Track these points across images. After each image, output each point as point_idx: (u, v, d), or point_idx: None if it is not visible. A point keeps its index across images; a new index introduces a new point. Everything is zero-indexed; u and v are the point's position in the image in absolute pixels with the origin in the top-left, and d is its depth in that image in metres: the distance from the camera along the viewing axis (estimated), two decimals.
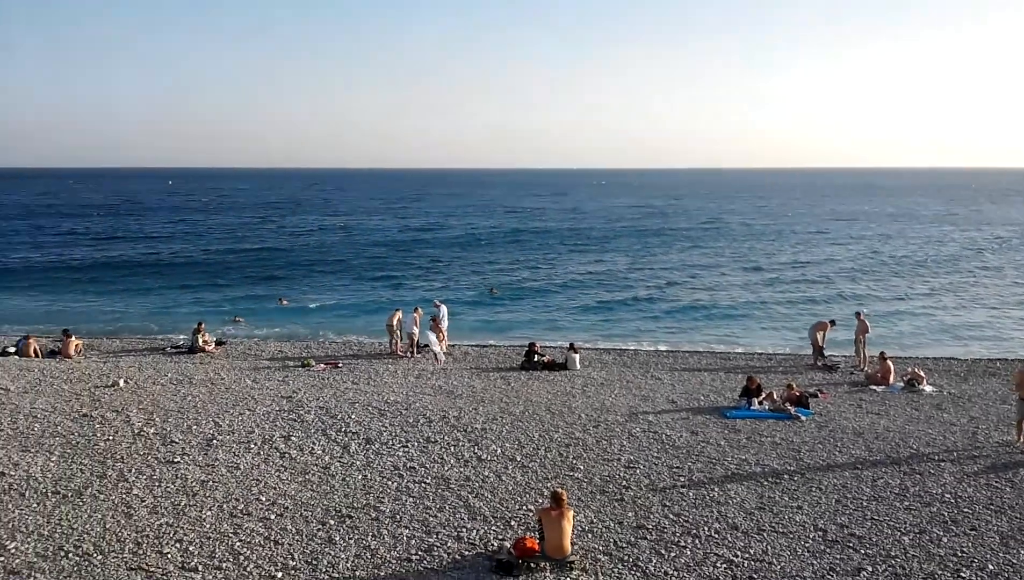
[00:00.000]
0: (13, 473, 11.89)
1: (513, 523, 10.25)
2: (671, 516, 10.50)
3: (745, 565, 9.12)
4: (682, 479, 11.96)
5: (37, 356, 21.41)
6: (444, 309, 23.15)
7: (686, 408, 16.40)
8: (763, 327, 29.19)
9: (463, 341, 24.37)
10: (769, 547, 9.62)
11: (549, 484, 11.59)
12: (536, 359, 20.49)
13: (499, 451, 13.22)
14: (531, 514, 10.41)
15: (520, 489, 11.50)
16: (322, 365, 20.44)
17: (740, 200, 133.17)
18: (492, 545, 9.56)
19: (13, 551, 9.21)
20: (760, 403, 16.21)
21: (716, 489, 11.55)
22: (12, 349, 21.89)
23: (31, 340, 22.06)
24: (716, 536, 9.92)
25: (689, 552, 9.43)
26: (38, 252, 53.75)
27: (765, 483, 11.85)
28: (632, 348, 24.45)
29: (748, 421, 15.36)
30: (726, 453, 13.29)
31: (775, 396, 16.40)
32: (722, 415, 15.75)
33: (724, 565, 9.11)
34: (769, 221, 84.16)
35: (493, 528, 10.08)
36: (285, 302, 30.85)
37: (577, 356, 20.54)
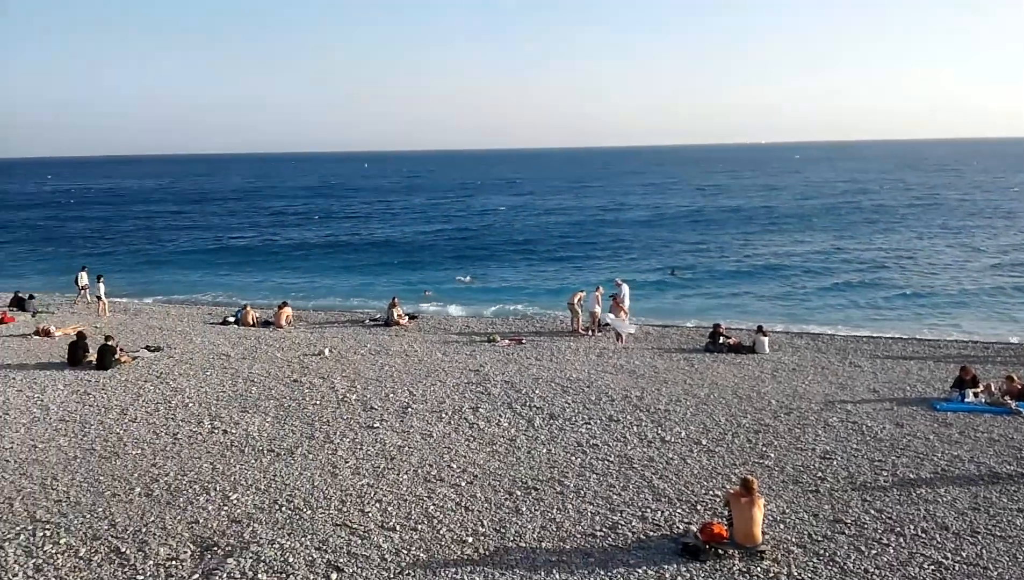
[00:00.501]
0: (234, 431, 13.15)
1: (699, 507, 10.03)
2: (872, 512, 9.84)
3: (956, 569, 8.40)
4: (885, 474, 11.16)
5: (254, 325, 23.50)
6: (626, 288, 22.95)
7: (889, 398, 15.28)
8: (980, 315, 26.53)
9: (645, 321, 24.08)
10: (984, 551, 8.80)
11: (737, 470, 11.23)
12: (721, 341, 19.88)
13: (683, 433, 12.96)
14: (718, 499, 10.14)
15: (706, 473, 11.22)
16: (507, 341, 20.95)
17: (950, 173, 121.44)
18: (678, 528, 9.41)
19: (235, 502, 10.20)
20: (976, 396, 14.79)
21: (924, 486, 10.68)
22: (232, 319, 24.17)
23: (249, 310, 24.28)
24: (923, 536, 9.19)
25: (892, 551, 8.80)
26: (255, 232, 59.05)
27: (980, 482, 10.82)
28: (828, 333, 23.10)
29: (961, 415, 14.08)
30: (935, 448, 12.25)
31: (993, 388, 14.90)
32: (931, 407, 14.53)
33: (932, 567, 8.43)
34: (990, 196, 76.17)
35: (678, 511, 9.92)
36: (429, 293, 31.30)
37: (766, 339, 19.71)
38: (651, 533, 9.30)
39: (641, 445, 12.39)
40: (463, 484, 10.78)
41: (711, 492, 10.51)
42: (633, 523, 9.54)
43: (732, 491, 9.35)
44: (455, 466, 11.47)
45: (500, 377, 16.78)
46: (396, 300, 24.57)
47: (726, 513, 9.07)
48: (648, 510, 9.92)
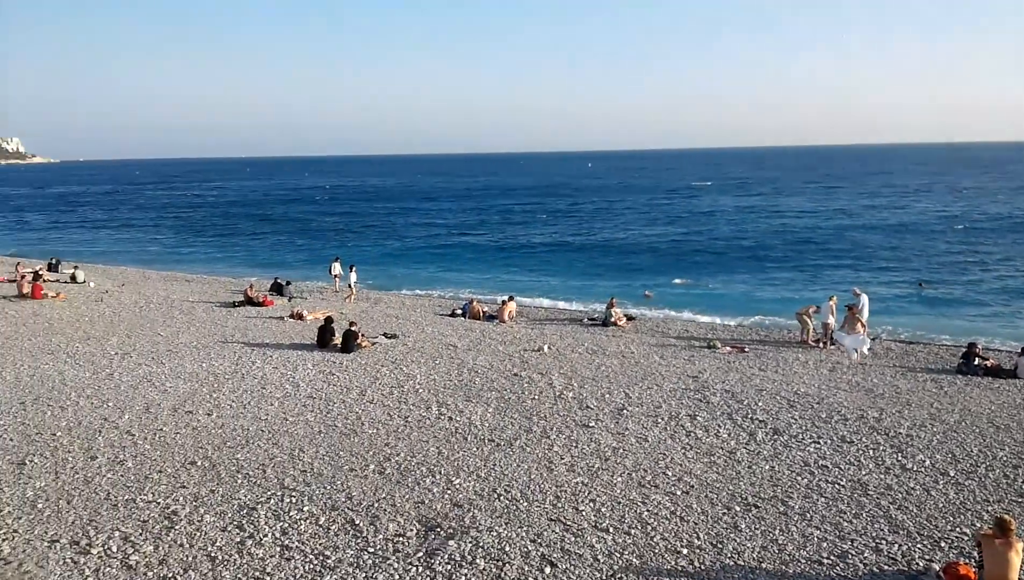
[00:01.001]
0: (459, 419, 13.78)
1: (943, 544, 9.05)
2: None
3: None
4: None
5: (479, 319, 24.52)
6: (864, 298, 21.23)
7: None
8: None
9: (886, 336, 22.18)
10: None
11: (991, 507, 10.00)
12: (977, 363, 17.81)
13: (927, 462, 11.76)
14: (967, 538, 9.09)
15: (953, 508, 10.10)
16: (728, 348, 20.21)
17: None
18: (917, 564, 8.56)
19: (457, 486, 10.68)
20: None
21: None
22: (460, 311, 25.37)
23: (476, 304, 25.38)
24: None
25: None
26: (484, 229, 61.82)
27: None
28: None
29: None
30: None
31: None
32: None
33: None
34: None
35: (919, 546, 9.01)
36: (649, 294, 30.71)
37: None
38: (886, 567, 8.52)
39: (878, 471, 11.40)
40: (678, 493, 10.52)
41: (958, 529, 9.45)
42: (865, 554, 8.80)
43: (985, 531, 8.33)
44: (670, 473, 11.23)
45: (720, 385, 16.21)
46: (614, 300, 24.56)
47: (976, 555, 8.10)
48: (883, 542, 9.10)
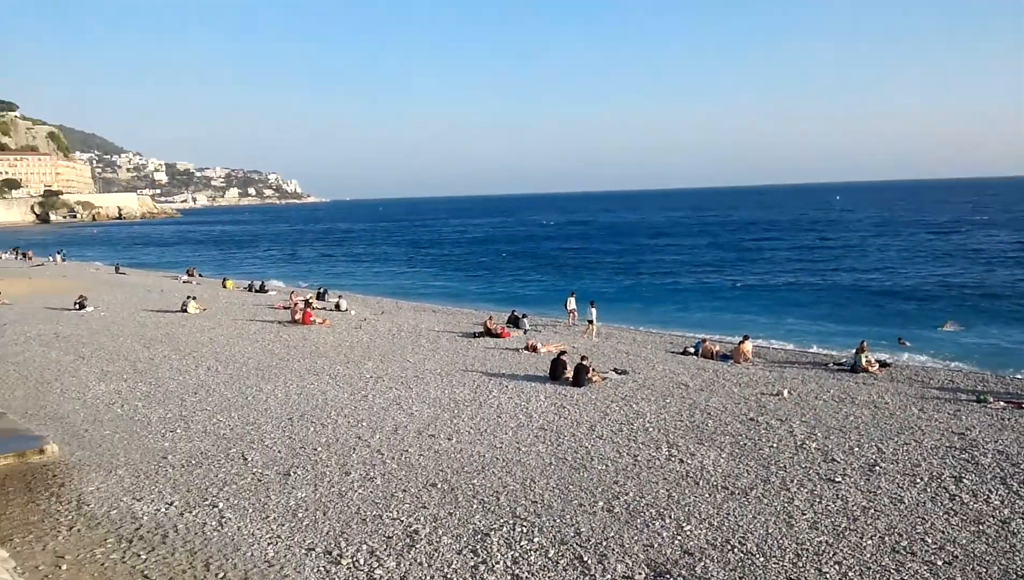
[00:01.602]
0: (689, 462, 13.37)
1: None
2: None
3: None
4: None
5: (713, 358, 23.75)
6: None
7: None
8: None
9: None
10: None
11: None
12: None
13: None
14: None
15: None
16: (1002, 403, 17.84)
17: None
18: None
19: (688, 533, 10.32)
20: None
21: None
22: (692, 350, 24.74)
23: (709, 342, 24.63)
24: None
25: None
26: (718, 265, 60.17)
27: None
28: None
29: None
30: None
31: None
32: None
33: None
34: None
35: None
36: (905, 343, 27.50)
37: None
38: None
39: None
40: (939, 563, 9.40)
41: None
42: None
43: None
44: (930, 540, 10.07)
45: (992, 445, 14.33)
46: (865, 344, 22.69)
47: None
48: None
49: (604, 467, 13.10)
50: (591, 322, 28.49)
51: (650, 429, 15.46)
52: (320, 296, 38.84)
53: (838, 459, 13.47)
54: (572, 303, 31.39)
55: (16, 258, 74.57)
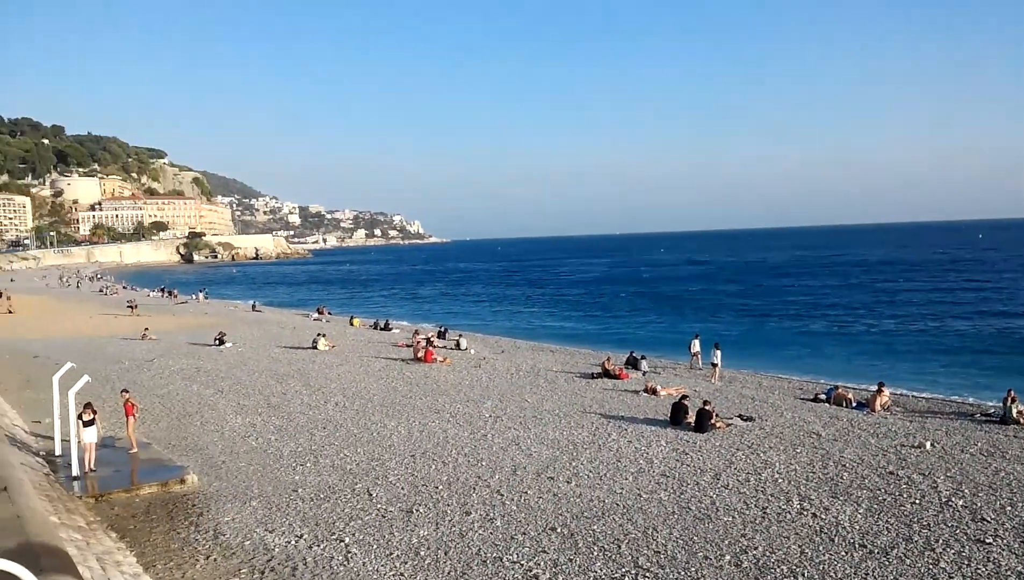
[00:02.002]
0: (824, 517, 12.67)
1: None
2: None
3: None
4: None
5: (846, 406, 22.57)
6: None
7: None
8: None
9: None
10: None
11: None
12: None
13: None
14: None
15: None
16: None
17: None
18: None
19: None
20: None
21: None
22: (823, 396, 23.60)
23: (842, 389, 23.45)
24: None
25: None
26: (859, 309, 57.48)
27: None
28: None
29: None
30: None
31: None
32: None
33: None
34: None
35: None
36: None
37: None
38: None
39: None
40: None
41: None
42: None
43: None
44: None
45: None
46: (1013, 394, 20.99)
47: None
48: None
49: (731, 519, 12.60)
50: (715, 365, 27.71)
51: (779, 480, 14.80)
52: (441, 335, 39.64)
53: (988, 518, 12.44)
54: (696, 345, 30.68)
55: (163, 296, 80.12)
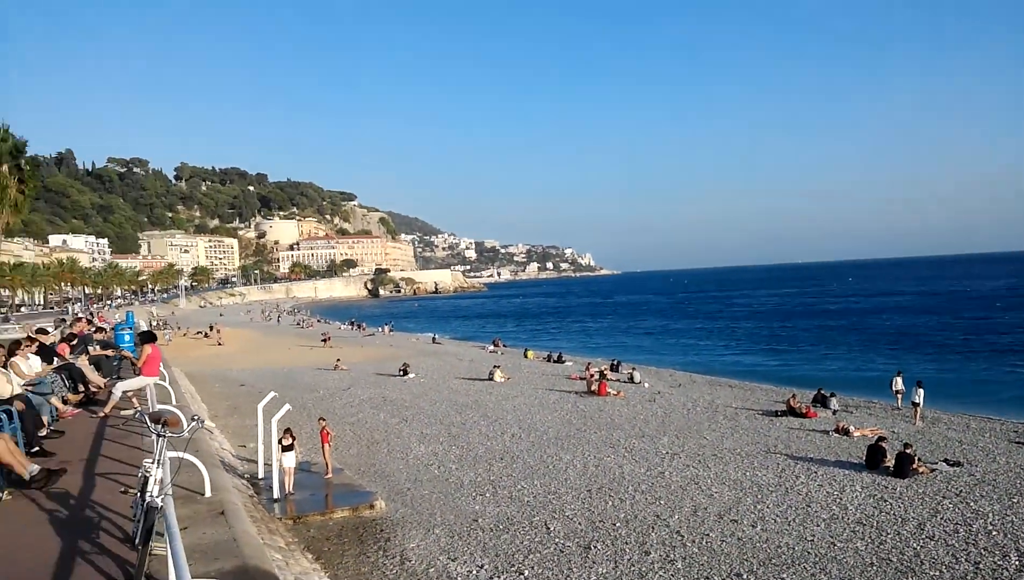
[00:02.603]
0: None
1: None
2: None
3: None
4: None
5: None
6: None
7: None
8: None
9: None
10: None
11: None
12: None
13: None
14: None
15: None
16: None
17: None
18: None
19: None
20: None
21: None
22: None
23: None
24: None
25: None
26: None
27: None
28: None
29: None
30: None
31: None
32: None
33: None
34: None
35: None
36: None
37: None
38: None
39: None
40: None
41: None
42: None
43: None
44: None
45: None
46: None
47: None
48: None
49: (937, 573, 11.48)
50: (916, 405, 25.52)
51: (993, 532, 13.33)
52: (614, 367, 39.36)
53: None
54: (899, 383, 28.38)
55: (352, 329, 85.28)
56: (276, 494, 15.46)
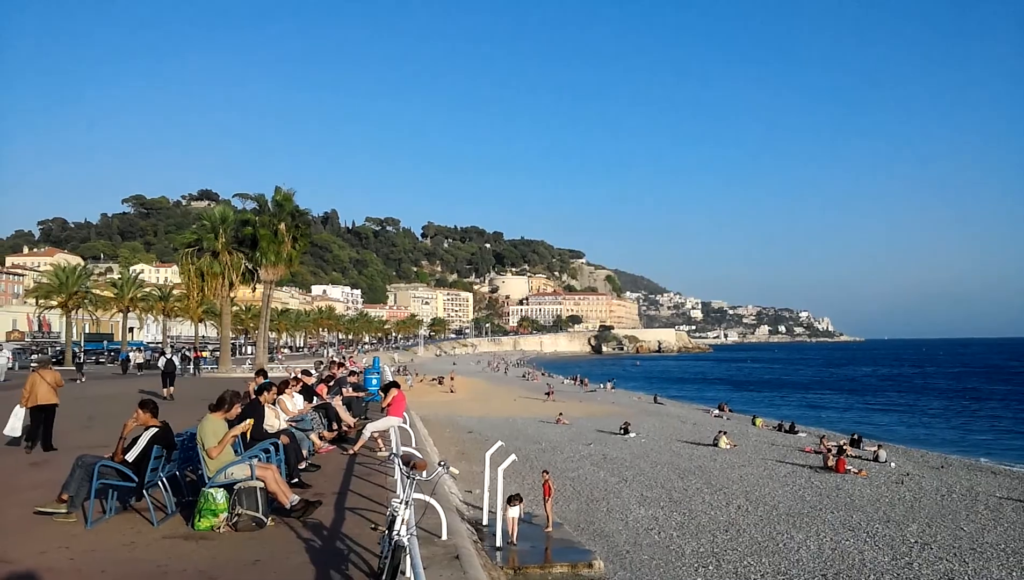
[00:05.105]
0: None
1: None
2: None
3: None
4: None
5: None
6: None
7: None
8: None
9: None
10: None
11: None
12: None
13: None
14: None
15: None
16: None
17: None
18: None
19: None
20: None
21: None
22: None
23: None
24: None
25: None
26: None
27: None
28: None
29: None
30: None
31: None
32: None
33: None
34: None
35: None
36: None
37: None
38: None
39: None
40: None
41: None
42: None
43: None
44: None
45: None
46: None
47: None
48: None
49: None
50: None
51: None
52: (855, 443, 36.36)
53: None
54: None
55: (575, 384, 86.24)
56: (499, 542, 15.88)
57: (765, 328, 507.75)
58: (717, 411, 54.34)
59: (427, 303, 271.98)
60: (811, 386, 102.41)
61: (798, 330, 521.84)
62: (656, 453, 32.12)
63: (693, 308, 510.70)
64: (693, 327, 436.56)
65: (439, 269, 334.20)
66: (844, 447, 33.66)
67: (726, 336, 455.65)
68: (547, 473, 18.40)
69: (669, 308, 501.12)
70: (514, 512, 16.08)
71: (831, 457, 29.55)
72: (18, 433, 15.09)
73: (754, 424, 46.58)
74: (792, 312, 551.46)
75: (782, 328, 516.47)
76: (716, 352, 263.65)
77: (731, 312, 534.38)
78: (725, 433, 36.16)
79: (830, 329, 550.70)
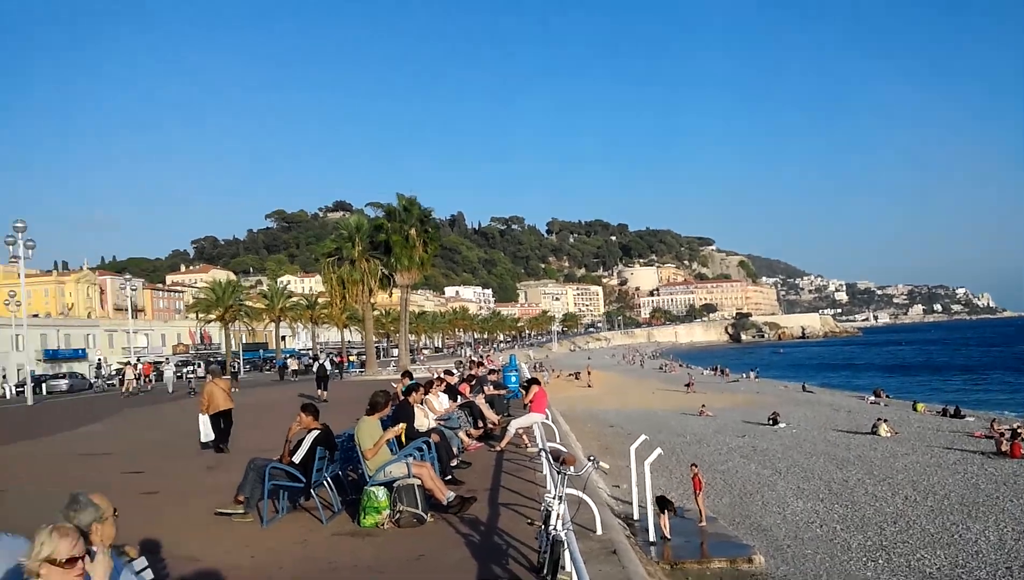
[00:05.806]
0: None
1: None
2: None
3: None
4: None
5: None
6: None
7: None
8: None
9: None
10: None
11: None
12: None
13: None
14: None
15: None
16: None
17: None
18: None
19: None
20: None
21: None
22: None
23: None
24: None
25: None
26: None
27: None
28: None
29: None
30: None
31: None
32: None
33: None
34: None
35: None
36: None
37: None
38: None
39: None
40: None
41: None
42: None
43: None
44: None
45: None
46: None
47: None
48: None
49: None
50: None
51: None
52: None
53: None
54: None
55: (715, 374, 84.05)
56: (652, 537, 15.60)
57: (919, 307, 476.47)
58: (873, 397, 51.38)
59: (557, 299, 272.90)
60: (975, 367, 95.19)
61: (955, 308, 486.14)
62: (810, 443, 30.72)
63: (837, 290, 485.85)
64: (839, 310, 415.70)
65: (566, 264, 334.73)
66: (1019, 430, 31.03)
67: (876, 318, 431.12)
68: (696, 466, 17.93)
69: (810, 292, 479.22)
70: (664, 518, 15.73)
71: (1005, 441, 27.28)
72: (212, 437, 16.95)
73: (915, 410, 43.73)
74: (948, 289, 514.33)
75: (937, 307, 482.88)
76: (866, 335, 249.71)
77: (879, 292, 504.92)
78: (884, 420, 34.11)
79: (991, 305, 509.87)
